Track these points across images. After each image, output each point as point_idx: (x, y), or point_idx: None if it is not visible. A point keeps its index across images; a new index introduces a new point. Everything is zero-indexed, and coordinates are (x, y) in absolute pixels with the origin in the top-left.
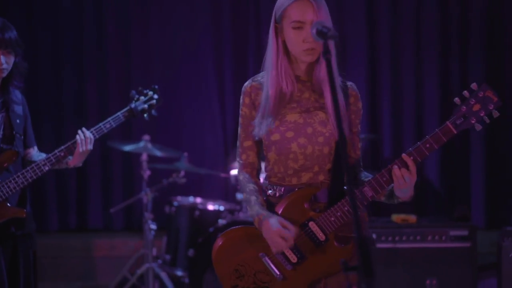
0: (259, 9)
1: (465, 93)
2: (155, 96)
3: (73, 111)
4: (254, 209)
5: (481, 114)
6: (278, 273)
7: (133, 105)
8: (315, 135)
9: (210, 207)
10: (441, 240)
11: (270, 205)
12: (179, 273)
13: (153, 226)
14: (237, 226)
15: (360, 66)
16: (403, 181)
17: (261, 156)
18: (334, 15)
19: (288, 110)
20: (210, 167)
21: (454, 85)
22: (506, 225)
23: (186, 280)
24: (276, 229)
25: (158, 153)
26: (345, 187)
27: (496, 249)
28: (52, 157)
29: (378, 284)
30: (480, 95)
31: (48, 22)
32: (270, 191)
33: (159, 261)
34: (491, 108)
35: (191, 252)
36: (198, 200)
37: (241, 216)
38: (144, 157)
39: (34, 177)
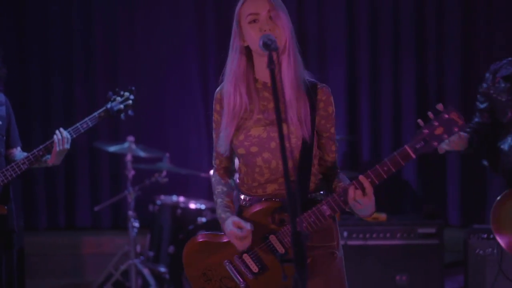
0: None
1: (430, 114)
2: (131, 97)
3: (62, 112)
4: (218, 211)
5: (444, 138)
6: (241, 280)
7: (109, 106)
8: (278, 149)
9: (192, 205)
10: (409, 237)
11: (240, 213)
12: (162, 269)
13: (136, 224)
14: (208, 232)
15: (339, 68)
16: (357, 204)
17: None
18: (314, 16)
19: (253, 123)
20: (195, 167)
21: (431, 86)
22: (480, 223)
23: (168, 276)
24: (230, 231)
25: (142, 153)
26: (310, 196)
27: (463, 247)
28: (31, 156)
29: (350, 280)
30: (445, 117)
31: (37, 25)
32: (241, 201)
33: (142, 257)
34: (456, 130)
35: (171, 249)
36: (181, 199)
37: None
38: (129, 157)
39: (14, 175)
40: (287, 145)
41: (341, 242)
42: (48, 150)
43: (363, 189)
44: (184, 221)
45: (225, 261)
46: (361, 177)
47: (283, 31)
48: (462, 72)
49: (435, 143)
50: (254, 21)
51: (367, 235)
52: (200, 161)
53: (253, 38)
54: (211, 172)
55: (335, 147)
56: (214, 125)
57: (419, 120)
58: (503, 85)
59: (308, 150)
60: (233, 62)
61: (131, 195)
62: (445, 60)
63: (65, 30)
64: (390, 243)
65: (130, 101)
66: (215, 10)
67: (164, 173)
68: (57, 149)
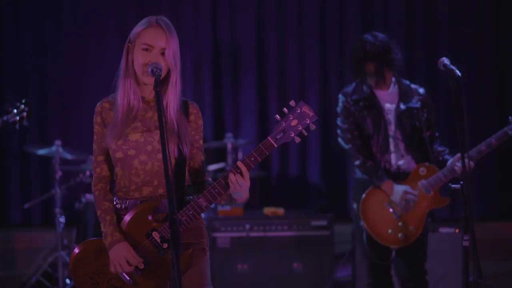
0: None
1: (285, 109)
2: (26, 109)
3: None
4: (109, 229)
5: (299, 128)
6: (128, 278)
7: (5, 118)
8: (154, 152)
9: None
10: (304, 229)
11: (118, 217)
12: None
13: (62, 220)
14: (92, 238)
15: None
16: (238, 186)
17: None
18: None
19: (131, 130)
20: None
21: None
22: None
23: None
24: (125, 254)
25: (68, 156)
26: (186, 198)
27: (351, 239)
28: None
29: (252, 268)
30: (298, 111)
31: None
32: (117, 205)
33: (68, 250)
34: (307, 122)
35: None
36: None
37: None
38: (56, 159)
39: None
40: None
41: (243, 234)
42: None
43: (241, 173)
44: None
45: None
46: (239, 163)
47: (168, 64)
48: (425, 71)
49: (292, 134)
50: (147, 50)
51: (267, 227)
52: None
53: (139, 63)
54: (92, 183)
55: (204, 157)
56: (95, 137)
57: (277, 116)
58: (366, 103)
59: (183, 157)
60: (122, 81)
61: (58, 193)
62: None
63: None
64: (287, 234)
65: (25, 113)
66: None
67: (88, 173)
68: None
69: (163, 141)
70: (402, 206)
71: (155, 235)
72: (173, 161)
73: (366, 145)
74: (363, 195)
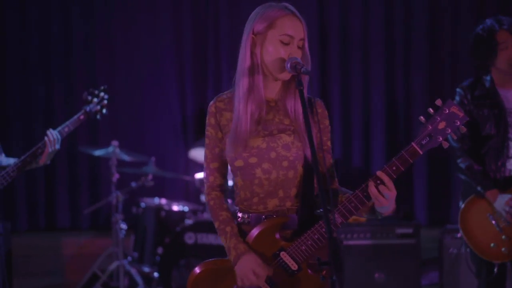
0: (218, 16)
1: (430, 110)
2: (106, 96)
3: (42, 115)
4: (231, 241)
5: (448, 132)
6: None
7: (87, 108)
8: (279, 159)
9: (175, 208)
10: (388, 237)
11: (240, 232)
12: (146, 269)
13: (124, 226)
14: (214, 259)
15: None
16: (383, 199)
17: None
18: None
19: (250, 133)
20: (172, 169)
21: (399, 92)
22: (445, 223)
23: (154, 276)
24: (251, 265)
25: (126, 157)
26: (316, 212)
27: (438, 246)
28: (19, 163)
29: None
30: (446, 112)
31: (17, 28)
32: (239, 219)
33: (129, 258)
34: (457, 124)
35: (160, 250)
36: (163, 201)
37: (205, 216)
38: (113, 161)
39: (5, 183)
40: (287, 154)
41: None
42: (35, 155)
43: (383, 184)
44: (169, 223)
45: (235, 286)
46: (379, 173)
47: (304, 57)
48: (428, 78)
49: (439, 138)
50: (287, 43)
51: (348, 236)
52: (177, 164)
53: (275, 57)
54: (196, 175)
55: (332, 160)
56: (207, 141)
57: (421, 117)
58: (482, 101)
59: (310, 162)
60: (246, 78)
61: (119, 198)
62: (411, 65)
63: (43, 34)
64: (369, 242)
65: (105, 101)
66: (192, 15)
67: (150, 176)
68: (49, 150)
69: (313, 151)
70: (506, 217)
71: (284, 256)
72: (299, 167)
73: (477, 147)
74: (462, 205)
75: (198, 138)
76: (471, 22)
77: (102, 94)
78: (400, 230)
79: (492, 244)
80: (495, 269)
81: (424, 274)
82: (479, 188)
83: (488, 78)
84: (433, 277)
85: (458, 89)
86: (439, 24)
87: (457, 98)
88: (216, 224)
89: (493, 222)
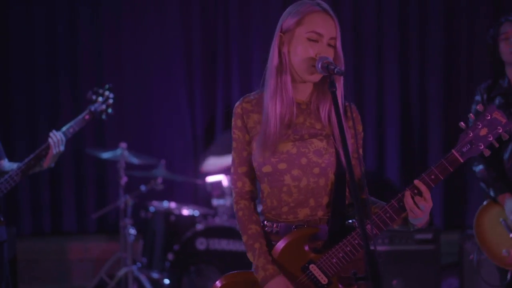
0: (227, 14)
1: (470, 115)
2: (111, 95)
3: (47, 116)
4: (259, 260)
5: (490, 139)
6: None
7: (92, 108)
8: (310, 166)
9: (185, 212)
10: (407, 243)
11: (267, 242)
12: (155, 275)
13: (133, 231)
14: (236, 271)
15: None
16: (418, 210)
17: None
18: None
19: (280, 137)
20: (181, 172)
21: (413, 93)
22: (462, 227)
23: (164, 282)
24: None
25: (135, 160)
26: (347, 222)
27: (458, 251)
28: (23, 167)
29: None
30: (488, 118)
31: (22, 27)
32: (267, 228)
33: (138, 264)
34: (500, 131)
35: (170, 256)
36: (173, 205)
37: (216, 221)
38: (122, 164)
39: (9, 187)
40: (319, 161)
41: None
42: (39, 158)
43: (420, 194)
44: (178, 228)
45: None
46: (416, 182)
47: (337, 57)
48: (442, 78)
49: (481, 146)
50: (315, 40)
51: None
52: (186, 167)
53: (303, 56)
54: (208, 179)
55: (364, 169)
56: (234, 144)
57: (461, 123)
58: (502, 101)
59: (343, 170)
60: (274, 79)
61: (127, 202)
62: (426, 66)
63: (49, 34)
64: (388, 248)
65: (111, 100)
66: (201, 15)
67: (160, 179)
68: (54, 152)
69: (348, 159)
70: None
71: (313, 269)
72: (331, 175)
73: (498, 150)
74: (478, 210)
75: (207, 146)
76: (488, 23)
77: (107, 93)
78: (419, 236)
79: (504, 250)
80: (508, 276)
81: (442, 279)
82: (491, 192)
83: (506, 80)
84: (451, 283)
85: (476, 91)
86: (456, 25)
87: (476, 98)
88: (244, 238)
89: (505, 227)
